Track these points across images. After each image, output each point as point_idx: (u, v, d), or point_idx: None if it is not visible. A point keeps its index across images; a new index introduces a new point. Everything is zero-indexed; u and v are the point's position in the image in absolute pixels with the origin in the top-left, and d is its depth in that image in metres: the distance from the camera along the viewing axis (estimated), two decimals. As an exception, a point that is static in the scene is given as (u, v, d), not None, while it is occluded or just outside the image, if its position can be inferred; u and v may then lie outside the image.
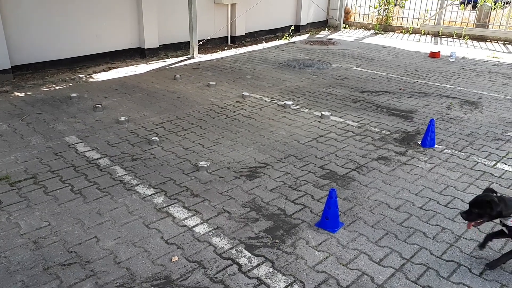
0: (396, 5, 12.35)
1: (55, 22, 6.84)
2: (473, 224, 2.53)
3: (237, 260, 2.58)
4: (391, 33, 11.88)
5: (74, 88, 6.04)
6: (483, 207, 2.44)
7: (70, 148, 4.07)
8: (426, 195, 3.38)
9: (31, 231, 2.79)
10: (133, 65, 7.62)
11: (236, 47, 9.63)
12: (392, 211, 3.14)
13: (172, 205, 3.16)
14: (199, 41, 8.62)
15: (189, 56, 8.36)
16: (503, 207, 2.40)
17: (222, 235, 2.82)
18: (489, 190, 2.56)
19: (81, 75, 6.82)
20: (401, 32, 11.82)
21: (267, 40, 10.49)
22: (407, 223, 3.00)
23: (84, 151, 4.00)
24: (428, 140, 4.26)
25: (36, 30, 6.67)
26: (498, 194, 2.51)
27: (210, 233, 2.84)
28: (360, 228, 2.92)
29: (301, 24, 11.76)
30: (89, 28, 7.32)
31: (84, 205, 3.12)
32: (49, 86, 6.18)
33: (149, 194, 3.30)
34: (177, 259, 2.57)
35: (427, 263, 2.59)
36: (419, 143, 4.35)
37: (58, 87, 6.12)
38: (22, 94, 5.74)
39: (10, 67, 6.39)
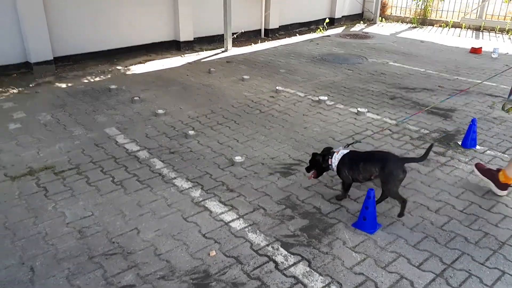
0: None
1: (94, 15, 7.02)
2: (312, 176, 3.26)
3: (273, 257, 2.60)
4: (429, 27, 11.51)
5: (112, 80, 6.20)
6: (311, 160, 3.24)
7: (110, 139, 4.19)
8: (468, 198, 3.29)
9: (76, 220, 2.91)
10: (168, 57, 7.73)
11: (270, 40, 9.59)
12: (431, 214, 3.08)
13: (209, 199, 3.21)
14: (233, 34, 8.64)
15: (223, 49, 8.39)
16: (321, 158, 3.16)
17: (258, 231, 2.85)
18: (327, 149, 3.23)
19: (119, 67, 6.99)
20: (440, 26, 11.43)
21: (300, 33, 10.38)
22: (447, 227, 2.93)
23: (124, 143, 4.11)
24: (469, 140, 4.12)
25: (77, 22, 6.86)
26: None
27: (246, 229, 2.87)
28: (398, 230, 2.88)
29: (335, 17, 11.57)
30: (127, 21, 7.46)
31: (125, 196, 3.22)
32: (89, 77, 6.37)
33: (187, 187, 3.36)
34: (214, 253, 2.62)
35: (469, 270, 2.53)
36: (460, 143, 4.21)
37: (97, 79, 6.29)
38: (63, 85, 5.95)
39: (52, 58, 6.61)
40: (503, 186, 3.29)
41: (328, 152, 3.16)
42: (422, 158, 2.96)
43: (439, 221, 3.00)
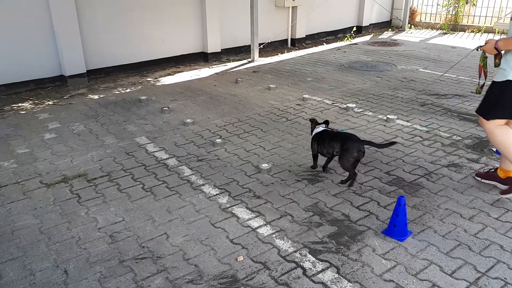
0: (467, 3, 11.67)
1: (125, 29, 7.26)
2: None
3: (301, 263, 2.58)
4: (460, 32, 11.25)
5: (142, 91, 6.37)
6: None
7: (140, 148, 4.29)
8: (503, 205, 3.16)
9: (107, 226, 2.99)
10: (196, 69, 7.88)
11: (296, 49, 9.62)
12: (464, 221, 2.97)
13: (236, 206, 3.22)
14: (259, 44, 8.73)
15: (249, 59, 8.48)
16: (311, 124, 3.81)
17: (285, 237, 2.83)
18: (315, 122, 3.82)
19: (148, 79, 7.18)
20: (472, 31, 11.15)
21: (327, 42, 10.37)
22: (481, 235, 2.83)
23: (154, 151, 4.20)
24: (504, 146, 3.97)
25: (109, 36, 7.12)
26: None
27: (274, 235, 2.86)
28: (429, 238, 2.80)
29: (363, 25, 11.49)
30: (156, 34, 7.68)
31: (155, 202, 3.28)
32: (120, 89, 6.57)
33: (214, 194, 3.40)
34: (242, 259, 2.62)
35: (505, 278, 2.42)
36: (494, 149, 4.07)
37: (128, 90, 6.48)
38: (96, 97, 6.16)
39: (85, 71, 6.87)
40: (506, 181, 3.36)
41: (315, 123, 3.81)
42: (381, 146, 3.72)
43: (472, 228, 2.89)
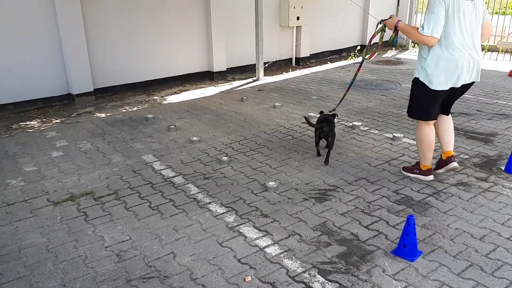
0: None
1: (132, 48, 7.37)
2: None
3: (310, 284, 2.54)
4: (463, 51, 11.30)
5: (149, 110, 6.42)
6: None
7: (147, 166, 4.30)
8: (514, 225, 3.12)
9: (114, 244, 2.97)
10: (202, 87, 7.95)
11: (301, 68, 9.71)
12: (475, 241, 2.93)
13: (243, 225, 3.20)
14: (264, 63, 8.81)
15: (255, 78, 8.55)
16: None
17: (294, 257, 2.80)
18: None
19: (155, 97, 7.24)
20: (475, 50, 11.20)
21: (332, 61, 10.46)
22: (493, 255, 2.78)
23: (160, 169, 4.20)
24: (513, 165, 3.95)
25: (116, 55, 7.22)
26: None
27: (282, 255, 2.83)
28: (440, 258, 2.76)
29: (367, 44, 11.58)
30: (162, 53, 7.79)
31: (161, 221, 3.26)
32: (127, 107, 6.62)
33: (221, 212, 3.38)
34: (250, 279, 2.58)
35: (520, 301, 2.37)
36: (503, 168, 4.05)
37: (135, 109, 6.53)
38: (103, 115, 6.20)
39: (92, 90, 6.95)
40: (449, 160, 3.80)
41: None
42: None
43: (484, 249, 2.85)
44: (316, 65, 9.99)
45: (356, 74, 4.54)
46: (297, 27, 9.73)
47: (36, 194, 3.75)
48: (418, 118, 3.75)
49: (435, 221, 3.19)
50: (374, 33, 3.99)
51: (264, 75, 8.67)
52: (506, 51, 10.83)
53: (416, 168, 3.95)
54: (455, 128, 5.21)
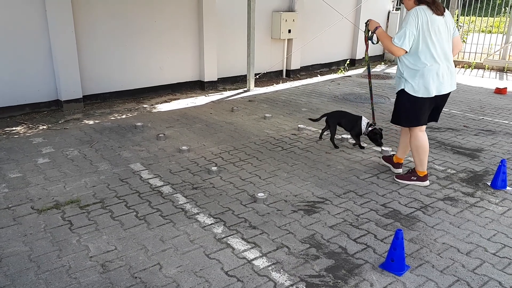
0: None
1: (123, 55, 7.34)
2: None
3: (298, 297, 2.52)
4: (451, 68, 11.51)
5: (138, 118, 6.37)
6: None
7: (135, 175, 4.25)
8: (500, 240, 3.15)
9: (99, 254, 2.91)
10: (193, 97, 7.94)
11: (291, 80, 9.77)
12: (462, 256, 2.95)
13: (231, 236, 3.17)
14: (255, 74, 8.85)
15: (245, 89, 8.58)
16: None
17: (282, 270, 2.78)
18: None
19: (145, 105, 7.20)
20: (462, 67, 11.44)
21: (321, 74, 10.55)
22: (479, 270, 2.80)
23: (148, 178, 4.16)
24: (499, 181, 4.00)
25: (106, 62, 7.18)
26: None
27: (270, 268, 2.80)
28: (428, 273, 2.76)
29: (356, 58, 11.76)
30: (153, 62, 7.77)
31: (148, 231, 3.21)
32: (116, 115, 6.57)
33: (209, 223, 3.34)
34: (237, 292, 2.55)
35: (506, 317, 2.38)
36: (489, 184, 4.10)
37: (124, 116, 6.48)
38: (91, 122, 6.14)
39: (81, 96, 6.88)
40: (397, 165, 4.36)
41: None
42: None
43: (470, 264, 2.87)
44: (307, 78, 10.07)
45: (370, 82, 4.84)
46: (288, 39, 9.83)
47: (20, 201, 3.67)
48: (410, 125, 3.93)
49: (423, 235, 3.21)
50: (365, 36, 4.30)
51: (255, 86, 8.70)
52: (492, 69, 11.07)
53: (412, 175, 4.10)
54: (442, 143, 5.29)
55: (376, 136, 4.84)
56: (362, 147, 5.08)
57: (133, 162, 4.58)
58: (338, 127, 5.20)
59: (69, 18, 6.43)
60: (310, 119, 5.65)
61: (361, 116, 5.01)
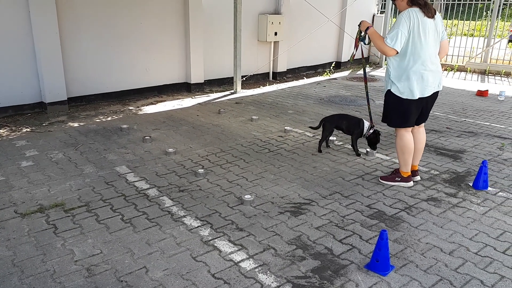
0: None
1: (108, 57, 7.28)
2: None
3: (284, 299, 2.53)
4: (434, 70, 11.71)
5: (124, 120, 6.33)
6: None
7: (120, 177, 4.22)
8: (482, 240, 3.22)
9: (84, 258, 2.88)
10: (179, 99, 7.92)
11: (278, 82, 9.82)
12: (445, 256, 3.01)
13: (218, 238, 3.17)
14: (242, 76, 8.87)
15: (232, 91, 8.59)
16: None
17: (268, 272, 2.79)
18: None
19: (130, 108, 7.15)
20: (445, 69, 11.65)
21: (308, 76, 10.63)
22: (462, 269, 2.86)
23: (134, 181, 4.13)
24: (480, 182, 4.09)
25: (91, 64, 7.11)
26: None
27: (257, 270, 2.81)
28: (412, 272, 2.81)
29: (342, 61, 11.87)
30: (139, 63, 7.73)
31: (134, 234, 3.20)
32: (101, 117, 6.51)
33: (196, 226, 3.34)
34: (224, 294, 2.56)
35: (487, 315, 2.44)
36: (471, 184, 4.18)
37: (109, 119, 6.42)
38: (76, 124, 6.07)
39: (66, 99, 6.80)
40: (407, 179, 4.14)
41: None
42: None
43: (453, 263, 2.92)
44: (293, 80, 10.13)
45: (366, 87, 4.83)
46: (274, 42, 9.87)
47: (3, 205, 3.61)
48: (398, 126, 4.00)
49: (407, 235, 3.26)
50: (356, 37, 4.25)
51: (242, 89, 8.72)
52: (474, 71, 11.30)
53: (396, 176, 4.17)
54: (426, 145, 5.37)
55: (378, 138, 4.82)
56: (359, 155, 4.97)
57: (118, 164, 4.55)
58: (337, 131, 5.22)
59: (53, 19, 6.35)
60: (310, 127, 5.52)
61: (362, 119, 4.96)
